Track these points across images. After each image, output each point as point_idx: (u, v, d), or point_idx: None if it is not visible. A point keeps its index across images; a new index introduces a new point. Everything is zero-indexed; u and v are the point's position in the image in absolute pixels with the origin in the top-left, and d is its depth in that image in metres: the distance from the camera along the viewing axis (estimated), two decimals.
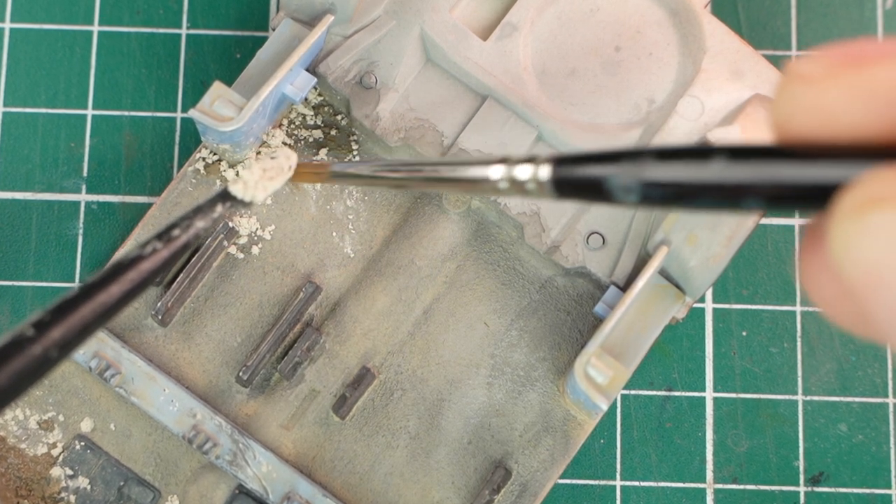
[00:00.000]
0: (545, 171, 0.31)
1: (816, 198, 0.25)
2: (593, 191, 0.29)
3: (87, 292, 0.31)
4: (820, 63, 0.25)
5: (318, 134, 0.48)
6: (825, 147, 0.25)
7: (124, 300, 0.32)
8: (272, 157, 0.35)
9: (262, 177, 0.35)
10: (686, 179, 0.26)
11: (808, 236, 0.26)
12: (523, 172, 0.32)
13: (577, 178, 0.29)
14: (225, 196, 0.34)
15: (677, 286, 0.45)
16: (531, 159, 0.31)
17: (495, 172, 0.33)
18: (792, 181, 0.25)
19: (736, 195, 0.26)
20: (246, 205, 0.35)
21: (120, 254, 0.47)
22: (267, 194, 0.35)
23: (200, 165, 0.48)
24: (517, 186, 0.32)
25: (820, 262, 0.26)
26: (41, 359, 0.30)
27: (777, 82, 0.26)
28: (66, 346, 0.30)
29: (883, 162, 0.24)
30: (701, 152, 0.26)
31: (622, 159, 0.28)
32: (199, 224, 0.33)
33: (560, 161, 0.30)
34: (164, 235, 0.33)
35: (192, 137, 0.50)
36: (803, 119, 0.25)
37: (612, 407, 0.48)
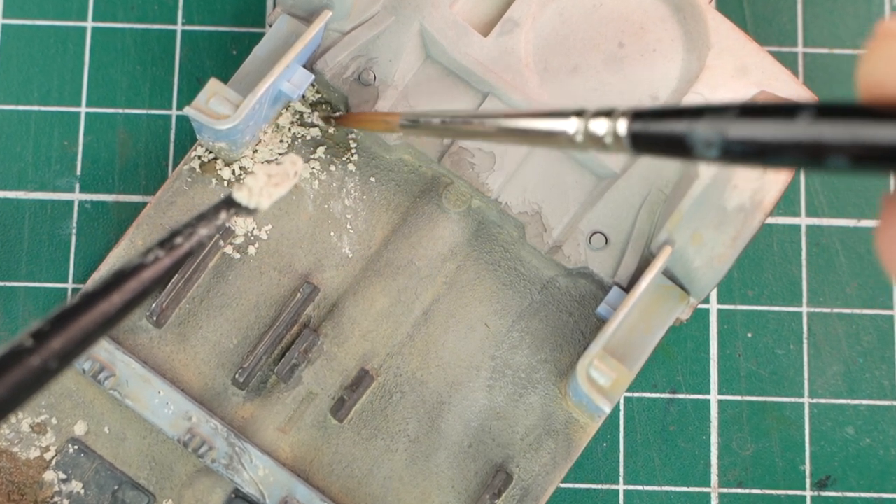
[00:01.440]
0: (622, 126, 0.30)
1: None
2: (673, 146, 0.28)
3: (87, 301, 0.31)
4: None
5: (315, 132, 0.48)
6: None
7: (126, 309, 0.32)
8: (278, 163, 0.35)
9: (267, 183, 0.35)
10: (771, 136, 0.26)
11: (889, 204, 0.26)
12: (600, 127, 0.31)
13: (657, 134, 0.29)
14: (229, 203, 0.34)
15: (681, 287, 0.45)
16: (608, 112, 0.31)
17: (571, 126, 0.32)
18: (879, 141, 0.25)
19: (821, 153, 0.26)
20: (250, 212, 0.34)
21: (114, 254, 0.47)
22: (272, 201, 0.35)
23: (196, 164, 0.48)
24: (593, 140, 0.32)
25: None
26: (40, 370, 0.30)
27: (867, 42, 0.26)
28: (66, 357, 0.30)
29: None
30: (787, 109, 0.26)
31: (705, 114, 0.27)
32: (203, 231, 0.33)
33: (638, 115, 0.30)
34: (166, 243, 0.33)
35: (187, 135, 0.50)
36: (892, 79, 0.25)
37: (615, 410, 0.48)
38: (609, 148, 0.31)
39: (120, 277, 0.32)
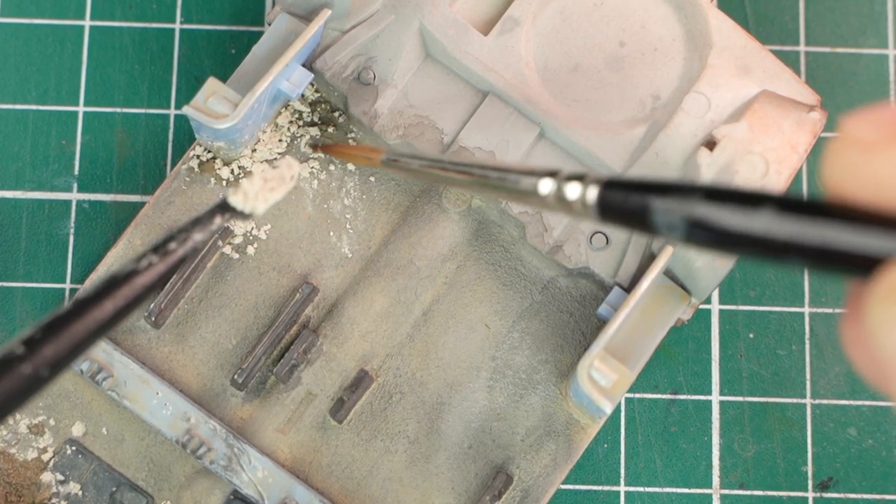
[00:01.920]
0: (592, 193, 0.31)
1: (861, 266, 0.25)
2: (637, 220, 0.28)
3: (79, 308, 0.31)
4: (873, 126, 0.25)
5: (314, 131, 0.48)
6: (875, 216, 0.25)
7: (118, 316, 0.31)
8: (274, 167, 0.35)
9: (262, 187, 0.34)
10: (732, 226, 0.26)
11: (852, 301, 0.26)
12: (573, 191, 0.31)
13: (623, 206, 0.29)
14: (224, 207, 0.34)
15: (683, 287, 0.45)
16: (581, 177, 0.31)
17: (545, 187, 0.33)
18: (838, 246, 0.25)
19: (779, 250, 0.25)
20: (246, 216, 0.34)
21: (112, 254, 0.47)
22: (268, 205, 0.35)
23: (194, 163, 0.48)
24: (563, 204, 0.32)
25: (860, 329, 0.25)
26: (32, 378, 0.30)
27: (830, 144, 0.26)
28: (58, 365, 0.30)
29: None
30: (751, 198, 0.26)
31: (671, 193, 0.27)
32: (197, 237, 0.33)
33: (609, 184, 0.30)
34: (160, 248, 0.32)
35: (185, 135, 0.50)
36: (855, 185, 0.25)
37: (616, 411, 0.48)
38: (577, 213, 0.32)
39: (113, 284, 0.31)
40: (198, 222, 0.33)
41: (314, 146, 0.47)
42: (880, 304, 0.24)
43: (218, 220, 0.34)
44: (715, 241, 0.27)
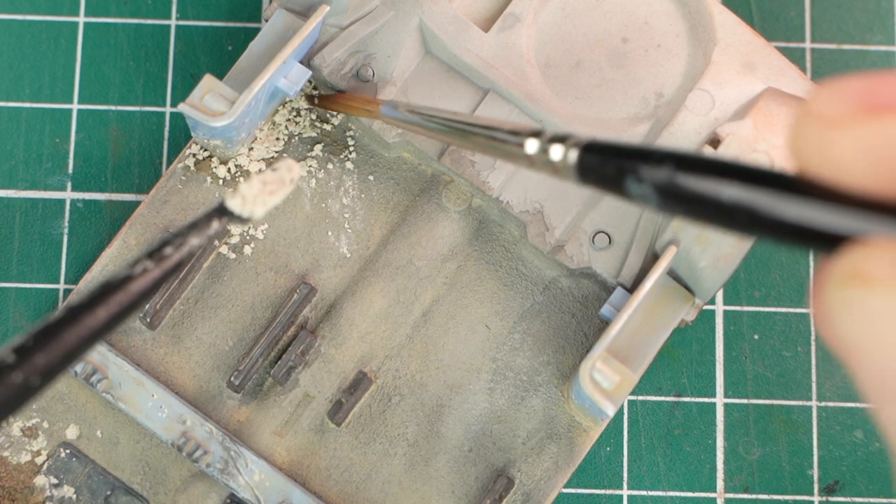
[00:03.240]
0: (573, 155, 0.31)
1: (825, 244, 0.25)
2: (613, 185, 0.29)
3: (72, 315, 0.31)
4: (836, 101, 0.25)
5: (313, 132, 0.48)
6: (838, 193, 0.25)
7: (112, 324, 0.31)
8: (273, 169, 0.35)
9: (261, 191, 0.34)
10: (702, 194, 0.26)
11: (819, 275, 0.26)
12: (556, 153, 0.32)
13: (600, 169, 0.30)
14: (221, 211, 0.34)
15: (686, 287, 0.45)
16: (564, 138, 0.32)
17: (530, 146, 0.34)
18: (802, 221, 0.25)
19: (746, 223, 0.26)
20: (244, 221, 0.34)
21: (107, 254, 0.47)
22: (267, 209, 0.34)
23: (190, 162, 0.48)
24: (547, 165, 0.33)
25: (825, 315, 0.26)
26: (22, 387, 0.30)
27: (794, 114, 0.26)
28: (50, 374, 0.30)
29: (883, 227, 0.24)
30: (722, 167, 0.26)
31: (646, 159, 0.28)
32: (194, 241, 0.33)
33: (588, 147, 0.31)
34: (155, 254, 0.32)
35: (181, 133, 0.50)
36: (815, 161, 0.25)
37: (619, 413, 0.48)
38: (559, 174, 0.33)
39: (106, 290, 0.31)
40: (194, 227, 0.33)
41: (310, 98, 0.47)
42: (837, 287, 0.24)
43: (215, 225, 0.34)
44: (684, 208, 0.27)
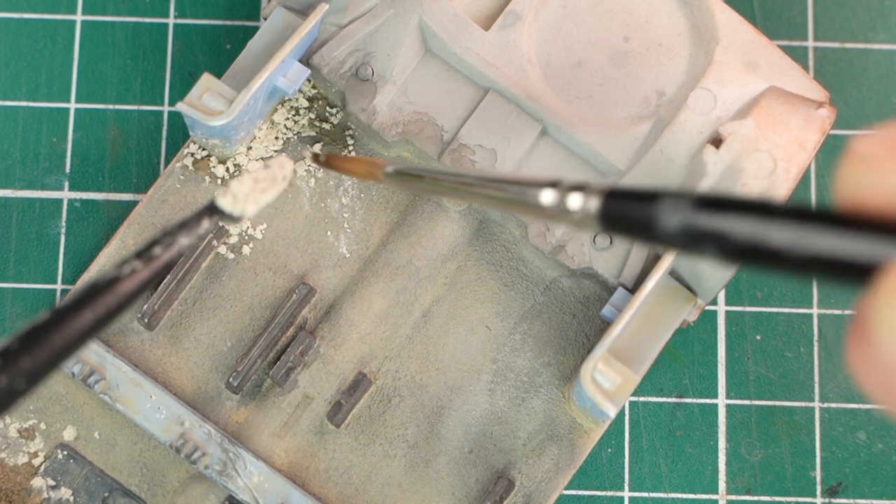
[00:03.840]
0: (593, 204, 0.31)
1: (865, 273, 0.26)
2: (641, 230, 0.29)
3: (58, 318, 0.30)
4: (878, 145, 0.26)
5: (316, 147, 0.48)
6: (879, 222, 0.26)
7: (99, 326, 0.31)
8: (266, 166, 0.34)
9: (253, 189, 0.34)
10: (737, 236, 0.27)
11: (855, 321, 0.26)
12: (574, 202, 0.32)
13: (625, 216, 0.30)
14: (212, 210, 0.33)
15: (688, 288, 0.45)
16: (582, 187, 0.32)
17: (546, 197, 0.33)
18: (842, 253, 0.26)
19: (787, 261, 0.26)
20: (235, 219, 0.34)
21: (104, 254, 0.47)
22: (258, 208, 0.34)
23: (189, 161, 0.48)
24: (565, 215, 0.32)
25: (866, 348, 0.26)
26: (7, 391, 0.30)
27: (840, 161, 0.27)
28: (35, 377, 0.30)
29: None
30: (763, 208, 0.27)
31: (674, 201, 0.28)
32: (183, 241, 0.33)
33: (611, 194, 0.30)
34: (144, 254, 0.32)
35: (179, 132, 0.50)
36: (864, 197, 0.26)
37: (620, 414, 0.48)
38: (579, 224, 0.32)
39: (94, 291, 0.31)
40: (184, 226, 0.33)
41: (315, 158, 0.47)
42: (885, 305, 0.25)
43: (206, 224, 0.33)
44: (720, 251, 0.27)
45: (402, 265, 0.47)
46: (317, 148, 0.48)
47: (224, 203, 0.34)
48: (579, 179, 0.33)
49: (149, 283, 0.32)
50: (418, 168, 0.41)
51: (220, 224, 0.33)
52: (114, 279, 0.31)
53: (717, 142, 0.44)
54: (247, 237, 0.47)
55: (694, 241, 0.27)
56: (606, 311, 0.45)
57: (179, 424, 0.45)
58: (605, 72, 0.47)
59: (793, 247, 0.26)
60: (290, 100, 0.48)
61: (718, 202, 0.27)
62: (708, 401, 0.48)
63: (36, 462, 0.46)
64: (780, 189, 0.43)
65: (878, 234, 0.25)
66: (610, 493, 0.47)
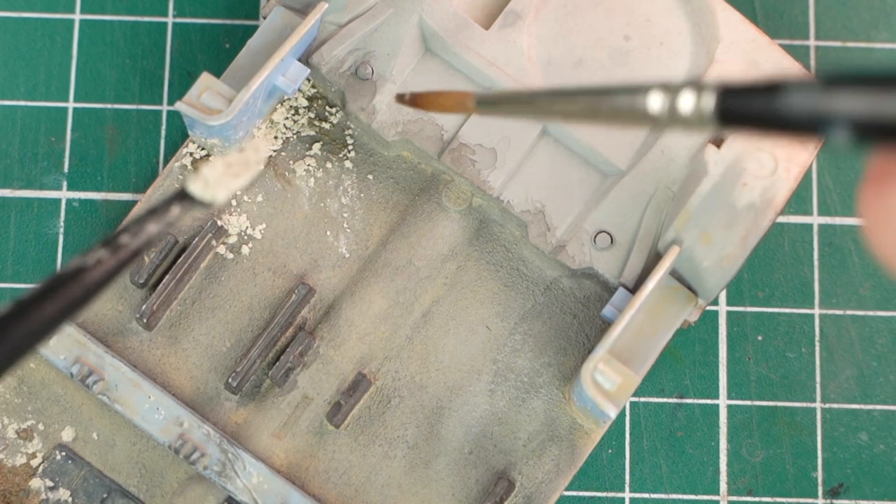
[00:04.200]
0: (709, 102, 0.30)
1: None
2: (765, 122, 0.28)
3: (19, 311, 0.29)
4: None
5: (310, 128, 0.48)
6: None
7: (62, 318, 0.30)
8: (240, 150, 0.33)
9: (224, 173, 0.32)
10: (874, 111, 0.26)
11: (875, 169, 0.26)
12: (686, 103, 0.30)
13: (747, 111, 0.29)
14: (182, 196, 0.32)
15: (689, 288, 0.45)
16: (694, 85, 0.30)
17: (655, 103, 0.31)
18: None
19: None
20: (205, 205, 0.32)
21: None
22: (230, 193, 0.33)
23: (188, 161, 0.48)
24: (676, 119, 0.31)
25: (882, 194, 0.26)
26: None
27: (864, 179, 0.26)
28: None
29: None
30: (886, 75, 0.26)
31: (798, 87, 0.27)
32: (152, 228, 0.31)
33: (727, 91, 0.29)
34: (110, 242, 0.31)
35: (178, 131, 0.50)
36: None
37: (621, 415, 0.48)
38: (693, 125, 0.31)
39: (57, 283, 0.30)
40: (153, 213, 0.32)
41: (401, 97, 0.44)
42: None
43: (175, 211, 0.32)
44: (854, 132, 0.26)
45: (401, 265, 0.47)
46: (316, 148, 0.48)
47: (194, 188, 0.32)
48: (682, 80, 0.31)
49: (116, 273, 0.31)
50: (510, 92, 0.39)
51: (191, 210, 0.32)
52: (79, 269, 0.30)
53: (718, 141, 0.44)
54: (246, 237, 0.47)
55: (825, 125, 0.27)
56: (607, 311, 0.45)
57: (178, 425, 0.45)
58: (605, 71, 0.47)
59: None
60: (289, 99, 0.48)
61: (848, 80, 0.26)
62: (709, 401, 0.48)
63: (34, 463, 0.46)
64: (781, 188, 0.43)
65: None
66: (611, 494, 0.47)
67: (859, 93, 0.26)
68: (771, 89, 0.28)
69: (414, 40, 0.47)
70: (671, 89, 0.31)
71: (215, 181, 0.32)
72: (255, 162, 0.33)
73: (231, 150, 0.32)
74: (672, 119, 0.31)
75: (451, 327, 0.47)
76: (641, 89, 0.32)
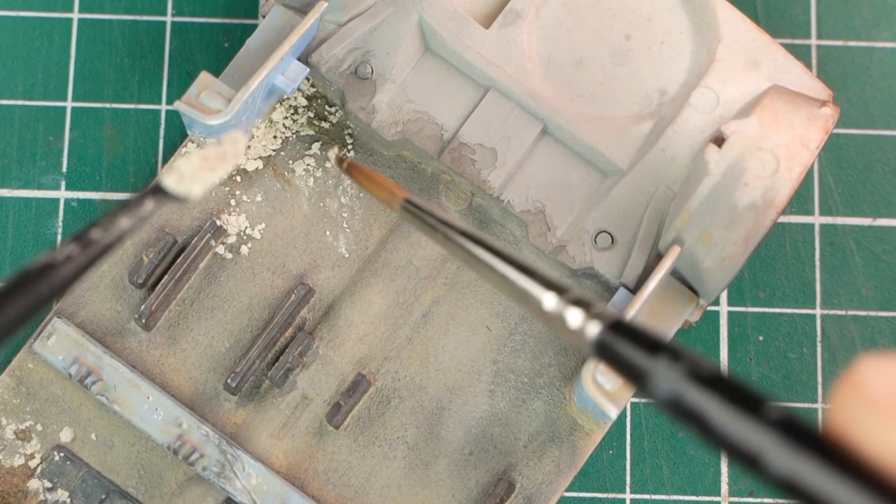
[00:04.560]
0: (593, 329, 0.30)
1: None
2: (633, 379, 0.28)
3: None
4: (890, 383, 0.24)
5: (309, 130, 0.48)
6: (878, 478, 0.23)
7: (28, 315, 0.29)
8: (217, 143, 0.32)
9: (200, 167, 0.32)
10: (715, 424, 0.25)
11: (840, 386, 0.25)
12: (574, 318, 0.31)
13: (621, 358, 0.28)
14: (156, 190, 0.31)
15: (690, 288, 0.45)
16: (587, 304, 0.30)
17: (549, 302, 0.32)
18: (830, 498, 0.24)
19: (758, 465, 0.25)
20: (180, 200, 0.32)
21: None
22: (206, 187, 0.32)
23: None
24: (562, 326, 0.31)
25: None
26: None
27: (839, 387, 0.24)
28: None
29: None
30: (753, 401, 0.25)
31: (667, 359, 0.27)
32: (124, 223, 0.31)
33: (614, 326, 0.29)
34: (81, 237, 0.30)
35: (177, 131, 0.50)
36: (862, 438, 0.24)
37: (622, 415, 0.48)
38: (573, 339, 0.31)
39: (24, 279, 0.29)
40: (125, 207, 0.31)
41: (340, 160, 0.45)
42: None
43: (149, 205, 0.31)
44: (699, 433, 0.26)
45: (401, 265, 0.47)
46: (316, 147, 0.48)
47: (169, 182, 0.31)
48: (585, 295, 0.31)
49: (86, 269, 0.30)
50: (435, 216, 0.38)
51: (166, 204, 0.31)
52: (47, 265, 0.29)
53: (719, 141, 0.44)
54: (245, 237, 0.47)
55: (680, 415, 0.26)
56: None
57: (177, 426, 0.45)
58: (606, 70, 0.47)
59: (779, 469, 0.24)
60: (288, 98, 0.48)
61: (712, 381, 0.26)
62: None
63: (32, 464, 0.46)
64: (782, 188, 0.43)
65: (871, 489, 0.23)
66: (611, 496, 0.47)
67: (716, 400, 0.26)
68: (652, 351, 0.27)
69: (414, 39, 0.47)
70: (567, 299, 0.31)
71: (191, 175, 0.32)
72: (232, 155, 0.32)
73: (208, 143, 0.31)
74: (559, 326, 0.31)
75: (451, 328, 0.47)
76: (542, 284, 0.32)
